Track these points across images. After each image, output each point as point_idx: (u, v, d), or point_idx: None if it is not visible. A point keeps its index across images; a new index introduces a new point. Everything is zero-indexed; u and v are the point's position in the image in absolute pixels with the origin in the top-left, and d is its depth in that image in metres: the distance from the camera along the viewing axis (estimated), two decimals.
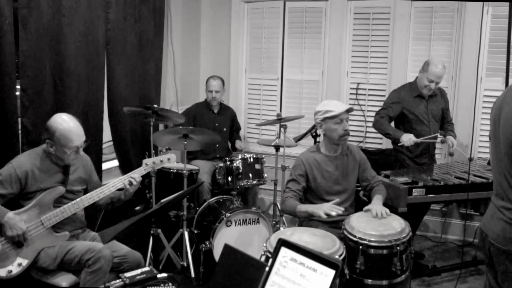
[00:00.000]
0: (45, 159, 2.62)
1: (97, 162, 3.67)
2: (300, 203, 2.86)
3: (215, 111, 4.51)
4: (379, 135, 4.17)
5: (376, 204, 2.81)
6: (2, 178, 2.48)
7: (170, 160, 2.96)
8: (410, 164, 3.81)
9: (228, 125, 4.60)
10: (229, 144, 4.69)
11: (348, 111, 2.90)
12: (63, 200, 2.62)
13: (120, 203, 2.87)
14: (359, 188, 3.16)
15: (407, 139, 3.60)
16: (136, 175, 2.77)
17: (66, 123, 2.56)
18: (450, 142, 3.77)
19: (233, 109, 4.75)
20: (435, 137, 3.72)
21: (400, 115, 3.82)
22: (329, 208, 2.68)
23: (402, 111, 3.80)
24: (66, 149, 2.56)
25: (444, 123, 3.96)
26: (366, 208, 2.80)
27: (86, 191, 2.78)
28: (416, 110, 3.79)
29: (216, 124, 4.47)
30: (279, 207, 2.97)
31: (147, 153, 3.30)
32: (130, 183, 2.73)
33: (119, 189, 2.80)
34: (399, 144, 3.65)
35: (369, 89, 4.58)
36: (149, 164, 2.87)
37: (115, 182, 2.71)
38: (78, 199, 2.63)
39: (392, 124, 3.89)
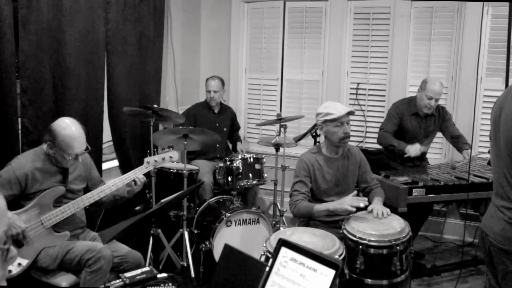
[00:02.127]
0: (45, 160, 2.61)
1: (97, 162, 3.67)
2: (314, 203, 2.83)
3: (216, 111, 4.51)
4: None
5: (378, 204, 2.81)
6: (2, 180, 2.48)
7: (172, 158, 2.91)
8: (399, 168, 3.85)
9: (229, 125, 4.60)
10: (229, 145, 4.69)
11: (349, 114, 2.87)
12: (63, 200, 2.62)
13: (122, 200, 2.87)
14: (358, 189, 3.16)
15: (413, 149, 3.61)
16: (139, 174, 2.77)
17: (69, 129, 2.53)
18: (466, 155, 3.72)
19: (233, 109, 4.75)
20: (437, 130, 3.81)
21: (399, 130, 3.85)
22: (354, 201, 2.65)
23: (402, 126, 3.84)
24: (65, 155, 2.55)
25: (457, 140, 3.87)
26: (369, 208, 2.79)
27: (87, 189, 2.78)
28: (410, 127, 3.83)
29: (217, 124, 4.47)
30: (291, 211, 2.90)
31: (148, 151, 3.28)
32: (135, 183, 2.73)
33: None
34: (405, 156, 3.65)
35: (369, 89, 4.58)
36: (150, 162, 2.83)
37: (115, 181, 2.70)
38: (78, 199, 2.62)
39: None
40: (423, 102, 3.73)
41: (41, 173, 2.57)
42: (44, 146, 2.61)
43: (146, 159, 2.84)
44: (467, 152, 3.74)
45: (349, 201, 2.67)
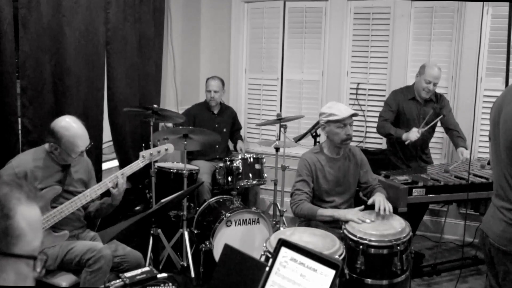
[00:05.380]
0: (47, 158, 2.62)
1: (97, 162, 3.68)
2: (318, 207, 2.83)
3: (215, 111, 4.51)
4: (379, 135, 4.18)
5: (380, 197, 2.79)
6: (2, 178, 2.48)
7: (168, 150, 2.86)
8: (403, 167, 3.85)
9: (229, 126, 4.59)
10: (229, 144, 4.69)
11: (352, 116, 2.87)
12: (61, 201, 2.62)
13: (110, 209, 2.81)
14: (359, 188, 3.16)
15: (412, 133, 3.63)
16: (135, 169, 2.72)
17: (73, 129, 2.54)
18: (463, 155, 3.70)
19: (233, 109, 4.75)
20: (437, 116, 3.77)
21: (398, 116, 3.87)
22: (361, 216, 2.65)
23: (400, 113, 3.86)
24: (72, 154, 2.56)
25: (452, 132, 3.90)
26: (370, 200, 2.78)
27: None
28: (409, 113, 3.85)
29: (216, 125, 4.46)
30: (292, 210, 2.89)
31: (143, 145, 3.18)
32: (116, 185, 2.66)
33: (108, 196, 2.77)
34: (406, 143, 3.67)
35: (369, 89, 4.58)
36: (146, 156, 2.78)
37: (111, 177, 2.67)
38: (75, 197, 2.59)
39: None
40: (421, 86, 3.77)
41: (42, 172, 2.57)
42: (46, 146, 2.62)
43: (141, 153, 2.79)
44: (461, 151, 3.74)
45: (356, 214, 2.67)
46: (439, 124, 3.98)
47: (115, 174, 2.70)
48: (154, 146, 3.26)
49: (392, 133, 3.77)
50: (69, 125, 2.55)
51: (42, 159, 2.60)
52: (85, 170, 2.82)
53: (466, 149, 3.78)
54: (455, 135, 3.88)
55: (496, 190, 1.94)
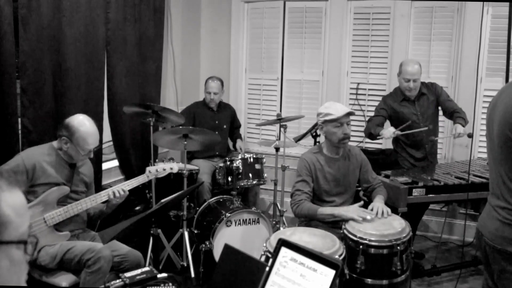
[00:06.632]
0: (56, 154, 2.65)
1: (97, 162, 3.67)
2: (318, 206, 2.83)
3: (215, 109, 4.51)
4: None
5: (378, 203, 2.81)
6: (9, 168, 2.50)
7: (173, 170, 3.01)
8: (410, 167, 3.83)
9: (229, 122, 4.60)
10: (229, 142, 4.69)
11: (349, 114, 2.86)
12: (67, 200, 2.65)
13: (101, 216, 2.88)
14: (359, 188, 3.16)
15: (386, 131, 3.59)
16: (141, 181, 2.83)
17: (86, 126, 2.62)
18: (456, 131, 3.55)
19: (232, 106, 4.75)
20: (421, 131, 3.64)
21: (396, 120, 3.82)
22: (361, 212, 2.66)
23: (397, 116, 3.79)
24: (80, 150, 2.61)
25: (452, 114, 3.75)
26: (370, 207, 2.79)
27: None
28: (404, 113, 3.77)
29: (216, 122, 4.47)
30: (293, 210, 2.89)
31: (151, 161, 3.37)
32: (114, 194, 2.71)
33: (103, 202, 2.80)
34: (378, 138, 3.65)
35: (369, 89, 4.58)
36: (152, 171, 2.91)
37: (118, 186, 2.76)
38: (81, 200, 2.65)
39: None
40: (402, 86, 3.73)
41: (50, 166, 2.60)
42: (55, 143, 2.66)
43: (148, 168, 2.91)
44: (456, 126, 3.58)
45: (356, 211, 2.68)
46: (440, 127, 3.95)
47: (120, 185, 2.76)
48: (155, 146, 3.30)
49: (372, 132, 3.71)
50: (84, 122, 2.63)
51: (51, 155, 2.64)
52: (89, 172, 2.87)
53: (463, 126, 3.59)
54: (456, 115, 3.70)
55: (492, 189, 1.94)
